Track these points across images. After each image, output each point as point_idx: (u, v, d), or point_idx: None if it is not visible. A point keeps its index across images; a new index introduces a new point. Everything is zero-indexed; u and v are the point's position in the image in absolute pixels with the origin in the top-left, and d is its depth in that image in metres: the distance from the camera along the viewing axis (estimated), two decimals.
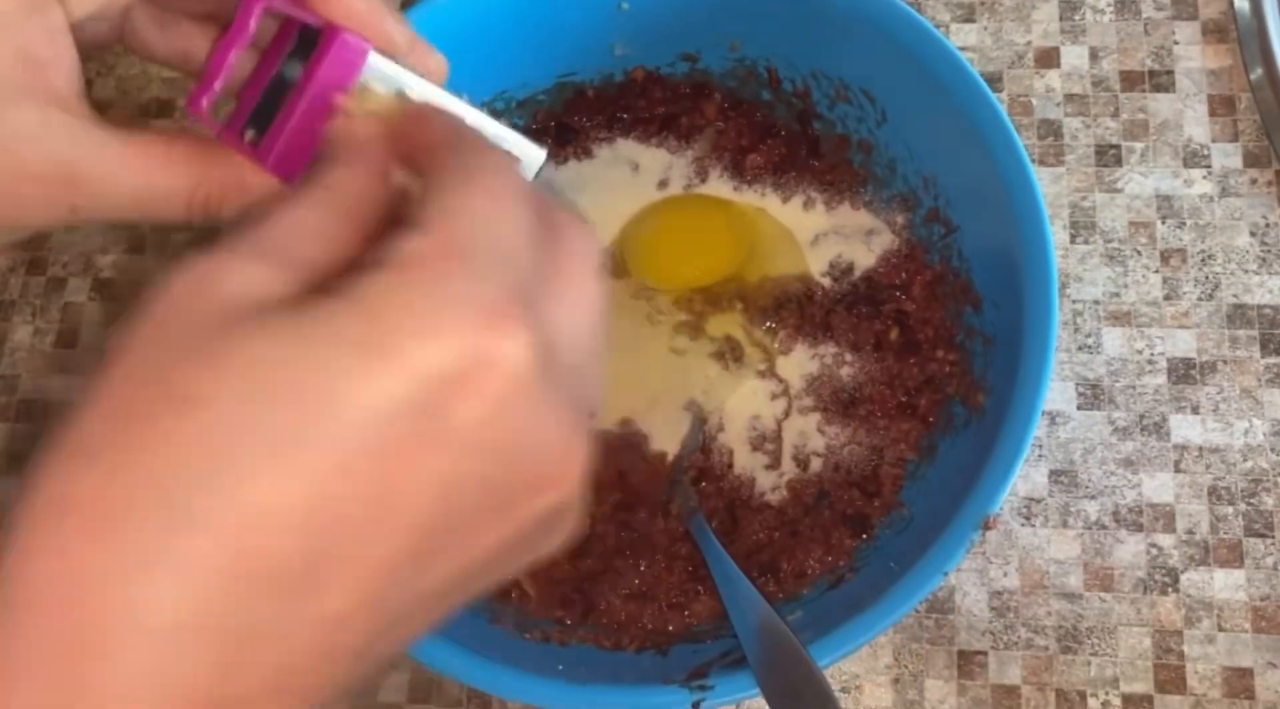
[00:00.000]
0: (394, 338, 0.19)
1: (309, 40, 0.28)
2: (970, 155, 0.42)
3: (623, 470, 0.46)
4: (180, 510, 0.18)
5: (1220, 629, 0.45)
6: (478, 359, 0.19)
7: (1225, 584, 0.45)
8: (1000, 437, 0.38)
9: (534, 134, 0.51)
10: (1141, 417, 0.48)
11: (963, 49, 0.54)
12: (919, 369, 0.46)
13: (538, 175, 0.30)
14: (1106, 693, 0.45)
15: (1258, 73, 0.51)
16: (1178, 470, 0.47)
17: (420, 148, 0.25)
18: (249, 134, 0.28)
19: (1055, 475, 0.47)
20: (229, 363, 0.19)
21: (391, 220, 0.23)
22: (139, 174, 0.27)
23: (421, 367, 0.19)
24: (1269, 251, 0.50)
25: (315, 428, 0.18)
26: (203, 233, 0.56)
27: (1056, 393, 0.48)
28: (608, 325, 0.24)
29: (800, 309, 0.48)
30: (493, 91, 0.50)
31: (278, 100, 0.28)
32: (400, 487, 0.19)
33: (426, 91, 0.29)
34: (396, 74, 0.28)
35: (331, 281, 0.20)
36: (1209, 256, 0.50)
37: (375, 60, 0.28)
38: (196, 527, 0.18)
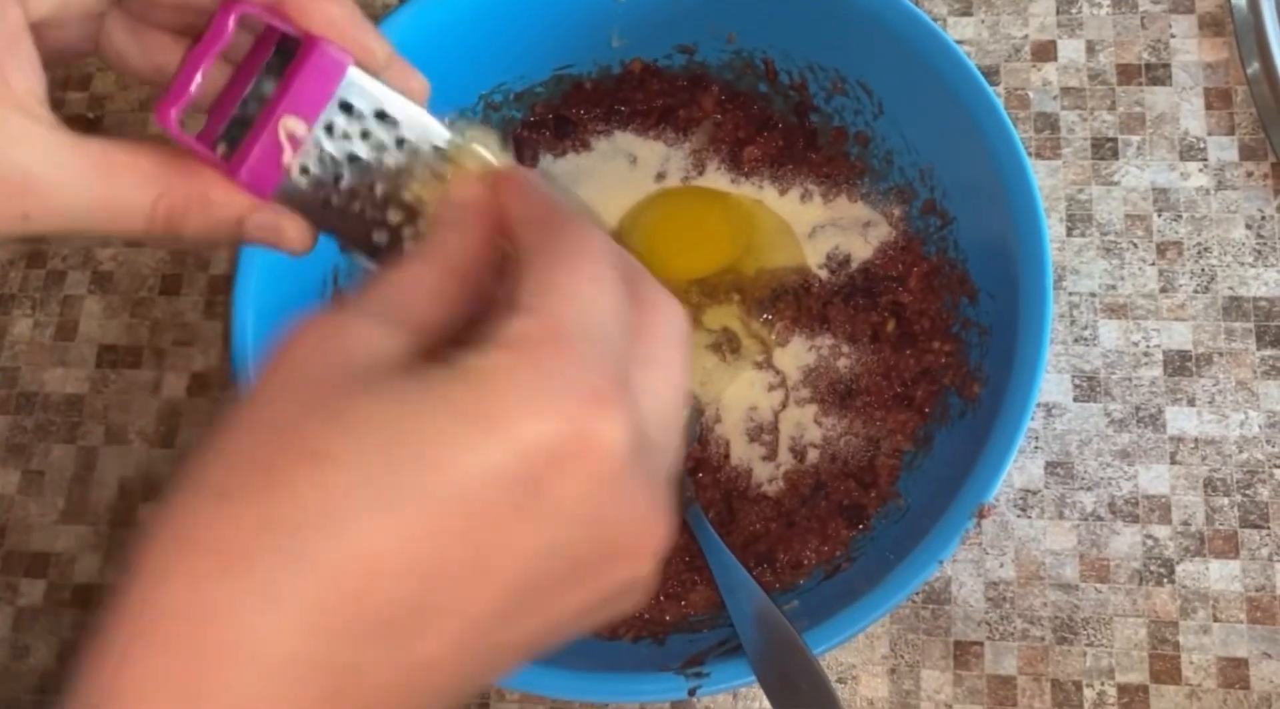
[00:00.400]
0: (502, 412, 0.20)
1: (287, 53, 0.27)
2: (967, 148, 0.43)
3: None
4: (297, 553, 0.19)
5: (1215, 620, 0.45)
6: (580, 439, 0.20)
7: (1220, 575, 0.46)
8: (995, 427, 0.38)
9: (532, 127, 0.51)
10: (1137, 408, 0.48)
11: (960, 42, 0.54)
12: (915, 360, 0.46)
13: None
14: (1102, 683, 0.45)
15: (1254, 66, 0.51)
16: (1173, 462, 0.47)
17: (517, 217, 0.26)
18: (221, 147, 0.28)
19: (1051, 467, 0.48)
20: (351, 422, 0.20)
21: (499, 280, 0.25)
22: (98, 184, 0.26)
23: (526, 441, 0.20)
24: (1265, 244, 0.50)
25: (423, 488, 0.20)
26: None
27: (1053, 385, 0.49)
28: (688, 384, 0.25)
29: (797, 301, 0.48)
30: (490, 84, 0.50)
31: (253, 113, 0.27)
32: (497, 550, 0.20)
33: (409, 111, 0.28)
34: (377, 90, 0.28)
35: (445, 350, 0.22)
36: (1205, 249, 0.50)
37: (355, 75, 0.27)
38: (308, 569, 0.19)
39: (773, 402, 0.47)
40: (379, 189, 0.29)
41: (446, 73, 0.47)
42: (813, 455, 0.46)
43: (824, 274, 0.48)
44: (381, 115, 0.28)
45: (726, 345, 0.48)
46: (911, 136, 0.46)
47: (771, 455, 0.46)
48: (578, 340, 0.21)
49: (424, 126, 0.28)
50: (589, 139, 0.51)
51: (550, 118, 0.51)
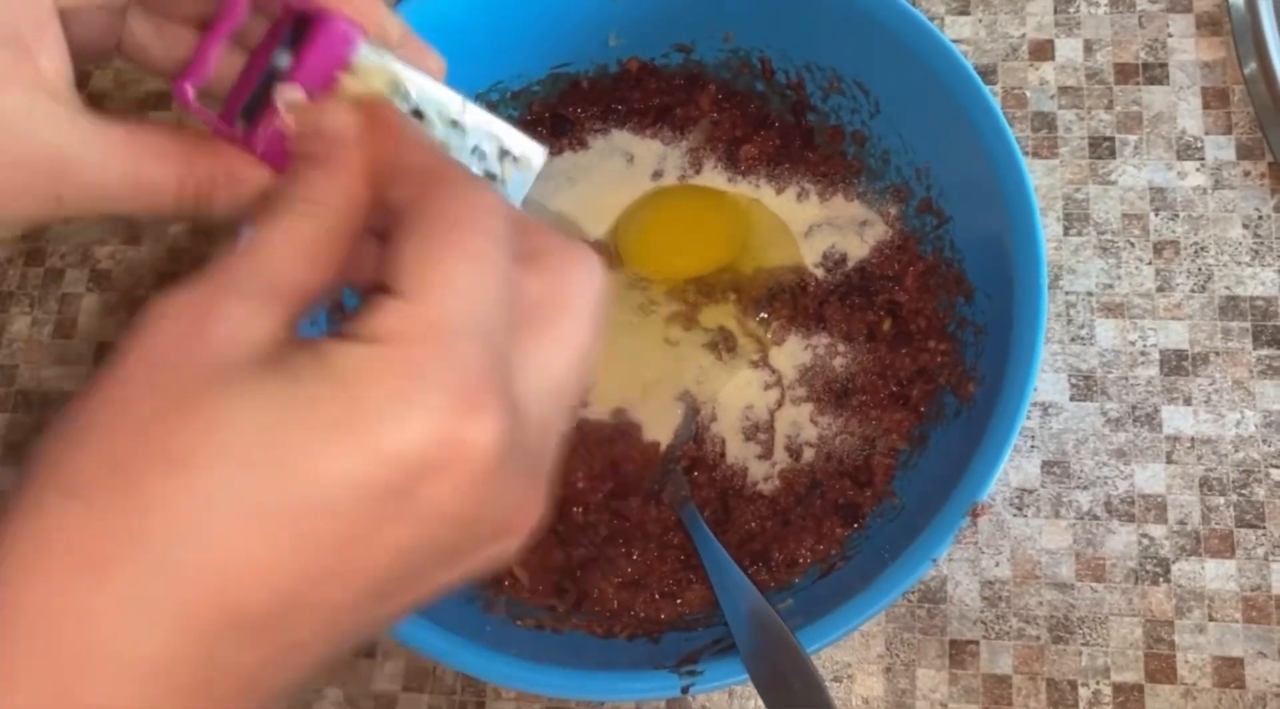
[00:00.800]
0: (366, 420, 0.20)
1: (302, 32, 0.27)
2: (963, 147, 0.43)
3: (615, 460, 0.46)
4: (163, 562, 0.19)
5: (1211, 619, 0.45)
6: (446, 446, 0.20)
7: (1216, 574, 0.46)
8: (990, 425, 0.38)
9: (529, 125, 0.51)
10: (1134, 408, 0.48)
11: (957, 41, 0.54)
12: (911, 359, 0.46)
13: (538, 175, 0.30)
14: (1097, 682, 0.45)
15: (1251, 66, 0.51)
16: (1169, 461, 0.47)
17: (395, 165, 0.25)
18: (240, 124, 0.28)
19: (1047, 466, 0.48)
20: (211, 426, 0.20)
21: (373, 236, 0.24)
22: (127, 163, 0.27)
23: (391, 451, 0.20)
24: (1261, 244, 0.50)
25: (286, 497, 0.19)
26: (199, 225, 0.56)
27: (1049, 384, 0.49)
28: (603, 339, 0.24)
29: (794, 300, 0.48)
30: (488, 83, 0.50)
31: (270, 90, 0.27)
32: (364, 551, 0.20)
33: (425, 85, 0.28)
34: (391, 65, 0.28)
35: (312, 341, 0.21)
36: (1202, 249, 0.50)
37: (368, 50, 0.27)
38: (176, 577, 0.19)
39: (769, 400, 0.47)
40: None
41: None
42: (808, 454, 0.46)
43: (820, 273, 0.48)
44: (394, 88, 0.28)
45: (723, 344, 0.48)
46: (908, 136, 0.46)
47: (767, 454, 0.46)
48: (450, 336, 0.21)
49: (439, 101, 0.28)
50: (586, 138, 0.51)
51: (547, 116, 0.51)
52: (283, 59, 0.28)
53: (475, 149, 0.30)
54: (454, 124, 0.29)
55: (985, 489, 0.38)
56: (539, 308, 0.23)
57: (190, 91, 0.27)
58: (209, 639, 0.19)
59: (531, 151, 0.30)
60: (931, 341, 0.46)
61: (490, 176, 0.30)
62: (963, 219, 0.45)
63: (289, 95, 0.27)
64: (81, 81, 0.28)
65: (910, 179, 0.47)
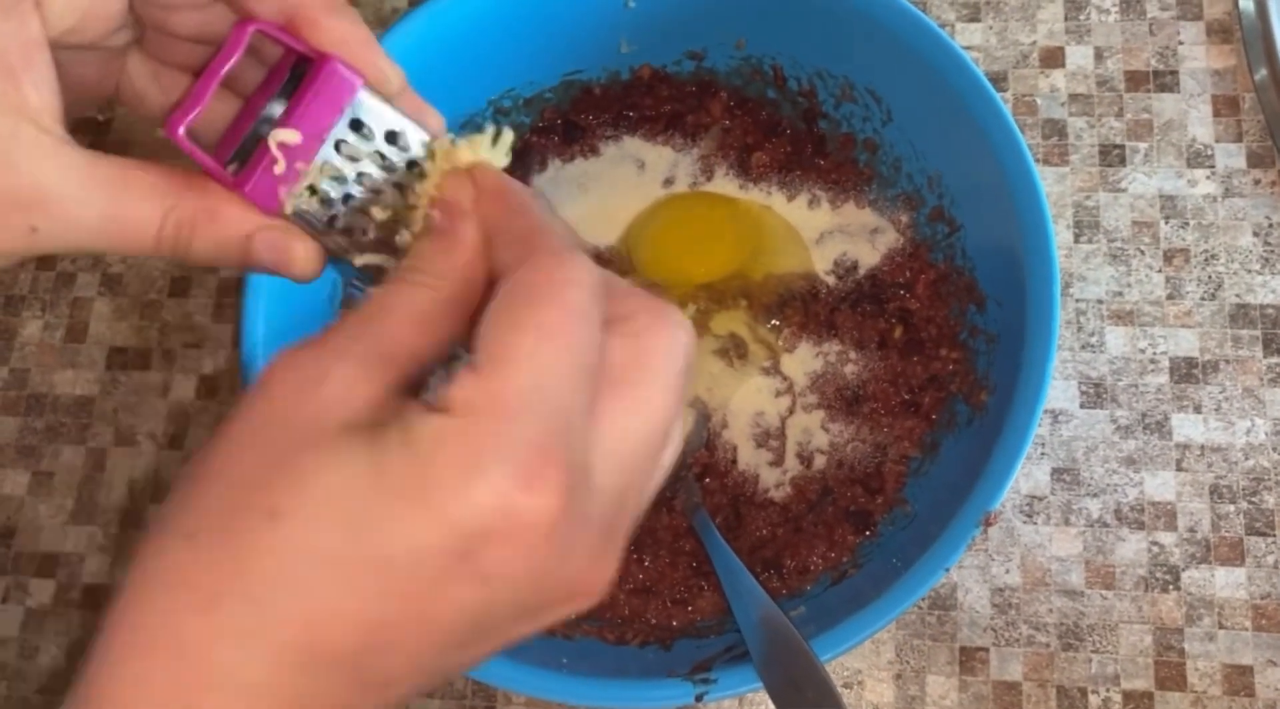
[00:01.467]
0: (433, 489, 0.21)
1: (300, 78, 0.27)
2: (974, 155, 0.43)
3: None
4: (262, 602, 0.22)
5: (1221, 627, 0.45)
6: (505, 515, 0.21)
7: (1226, 582, 0.46)
8: (1002, 434, 0.39)
9: (541, 132, 0.52)
10: (1144, 415, 0.48)
11: (968, 48, 0.54)
12: (923, 367, 0.46)
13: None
14: (1107, 690, 0.45)
15: (1262, 73, 0.51)
16: (1179, 469, 0.47)
17: (497, 228, 0.26)
18: (232, 168, 0.28)
19: (1057, 473, 0.48)
20: (309, 485, 0.22)
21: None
22: (109, 200, 0.26)
23: (454, 519, 0.21)
24: (1272, 252, 0.50)
25: (365, 554, 0.22)
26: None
27: (1059, 391, 0.49)
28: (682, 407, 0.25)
29: (805, 307, 0.48)
30: (500, 89, 0.50)
31: (264, 135, 0.27)
32: (434, 603, 0.22)
33: (419, 135, 0.28)
34: (387, 111, 0.28)
35: (403, 408, 0.23)
36: (1212, 256, 0.50)
37: (366, 98, 0.27)
38: (273, 617, 0.22)
39: (780, 407, 0.47)
40: (388, 211, 0.29)
41: (456, 78, 0.47)
42: (820, 461, 0.46)
43: (831, 280, 0.48)
44: (392, 137, 0.28)
45: (734, 351, 0.48)
46: (920, 144, 0.46)
47: (779, 461, 0.46)
48: (515, 409, 0.22)
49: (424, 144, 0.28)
50: (597, 144, 0.51)
51: (559, 123, 0.51)
52: (277, 108, 0.28)
53: None
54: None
55: (998, 498, 0.38)
56: (622, 371, 0.24)
57: (181, 128, 0.27)
58: (302, 672, 0.22)
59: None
60: (943, 349, 0.46)
61: None
62: (974, 227, 0.45)
63: (282, 137, 0.27)
64: (104, 125, 0.27)
65: (922, 187, 0.47)
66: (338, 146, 0.28)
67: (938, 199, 0.46)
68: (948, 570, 0.38)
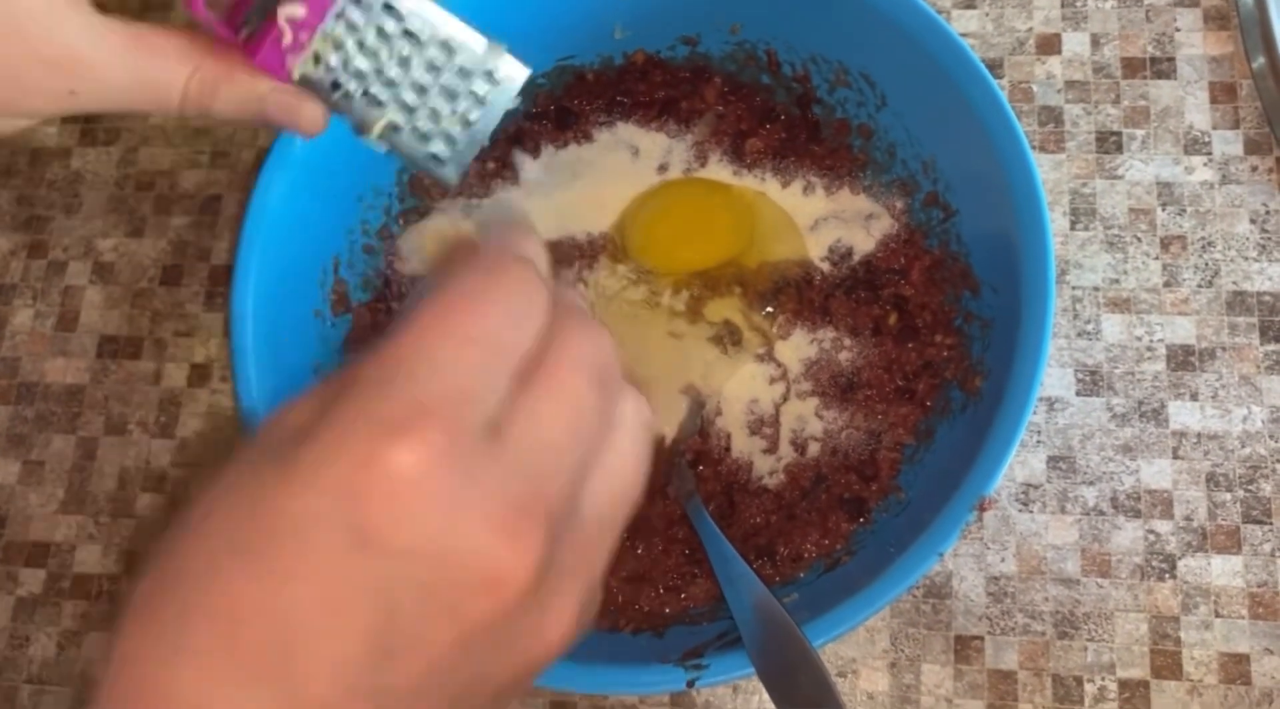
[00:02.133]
0: (308, 463, 0.21)
1: None
2: (970, 140, 0.42)
3: None
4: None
5: (1217, 615, 0.45)
6: (370, 469, 0.21)
7: (1222, 570, 0.45)
8: (997, 419, 0.38)
9: (534, 118, 0.51)
10: (1140, 403, 0.48)
11: (964, 35, 0.54)
12: (917, 354, 0.46)
13: (520, 93, 0.35)
14: (1103, 678, 0.45)
15: (1259, 60, 0.51)
16: (1176, 457, 0.47)
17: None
18: (244, 32, 0.31)
19: (1053, 461, 0.47)
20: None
21: None
22: (138, 62, 0.30)
23: (328, 482, 0.21)
24: (1269, 239, 0.49)
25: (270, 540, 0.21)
26: (203, 216, 0.56)
27: (1055, 379, 0.48)
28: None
29: (799, 293, 0.48)
30: None
31: (273, 3, 0.31)
32: (340, 594, 0.21)
33: (412, 5, 0.32)
34: None
35: None
36: (1209, 244, 0.50)
37: None
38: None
39: (774, 394, 0.47)
40: (388, 76, 0.33)
41: None
42: (814, 448, 0.46)
43: (826, 266, 0.48)
44: (389, 8, 0.32)
45: (728, 338, 0.48)
46: (914, 129, 0.46)
47: (772, 448, 0.46)
48: (389, 380, 0.22)
49: (429, 20, 0.33)
50: (591, 130, 0.51)
51: (552, 109, 0.51)
52: None
53: (461, 69, 0.34)
54: (444, 44, 0.33)
55: (992, 484, 0.37)
56: (539, 366, 0.24)
57: (201, 2, 0.30)
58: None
59: (515, 71, 0.34)
60: (938, 336, 0.45)
61: (475, 96, 0.34)
62: (969, 213, 0.45)
63: (289, 10, 0.31)
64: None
65: (917, 172, 0.47)
66: (341, 18, 0.31)
67: (932, 185, 0.46)
68: (942, 556, 0.38)
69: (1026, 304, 0.40)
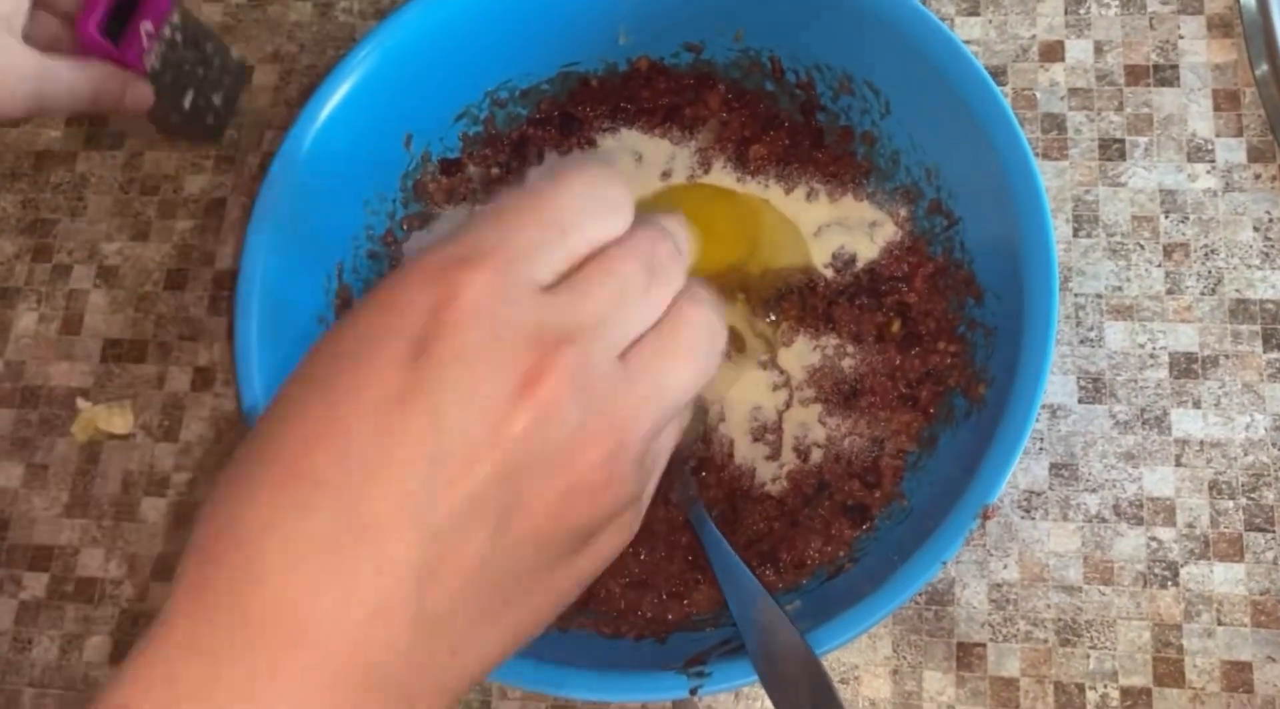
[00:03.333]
0: (383, 289, 0.25)
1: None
2: (973, 149, 0.42)
3: None
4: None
5: (1220, 623, 0.45)
6: (430, 288, 0.24)
7: (1225, 578, 0.45)
8: (1000, 428, 0.38)
9: (538, 124, 0.51)
10: (1143, 410, 0.48)
11: (967, 42, 0.54)
12: (920, 361, 0.46)
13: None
14: (1105, 686, 0.45)
15: (1263, 68, 0.51)
16: (1179, 464, 0.47)
17: None
18: (107, 39, 0.45)
19: (1056, 468, 0.48)
20: None
21: None
22: (79, 80, 0.44)
23: (396, 300, 0.25)
24: (1272, 247, 0.49)
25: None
26: (207, 220, 0.56)
27: (1058, 386, 0.48)
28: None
29: (802, 300, 0.48)
30: (496, 81, 0.50)
31: (125, 13, 0.46)
32: (393, 404, 0.24)
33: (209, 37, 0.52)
34: (187, 21, 0.50)
35: None
36: (1212, 251, 0.50)
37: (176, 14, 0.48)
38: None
39: (777, 401, 0.47)
40: (197, 81, 0.52)
41: (453, 69, 0.47)
42: (816, 455, 0.46)
43: (829, 273, 0.48)
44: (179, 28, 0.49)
45: (731, 344, 0.48)
46: (918, 137, 0.46)
47: (775, 455, 0.46)
48: (451, 234, 0.26)
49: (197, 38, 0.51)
50: (595, 137, 0.51)
51: (556, 115, 0.51)
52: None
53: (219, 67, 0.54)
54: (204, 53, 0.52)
55: (996, 492, 0.37)
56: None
57: (94, 29, 0.44)
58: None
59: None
60: (941, 343, 0.45)
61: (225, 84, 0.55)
62: (972, 220, 0.45)
63: (146, 27, 0.46)
64: None
65: (920, 180, 0.47)
66: (164, 33, 0.48)
67: (936, 192, 0.46)
68: (945, 564, 0.38)
69: (1029, 312, 0.40)
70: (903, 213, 0.48)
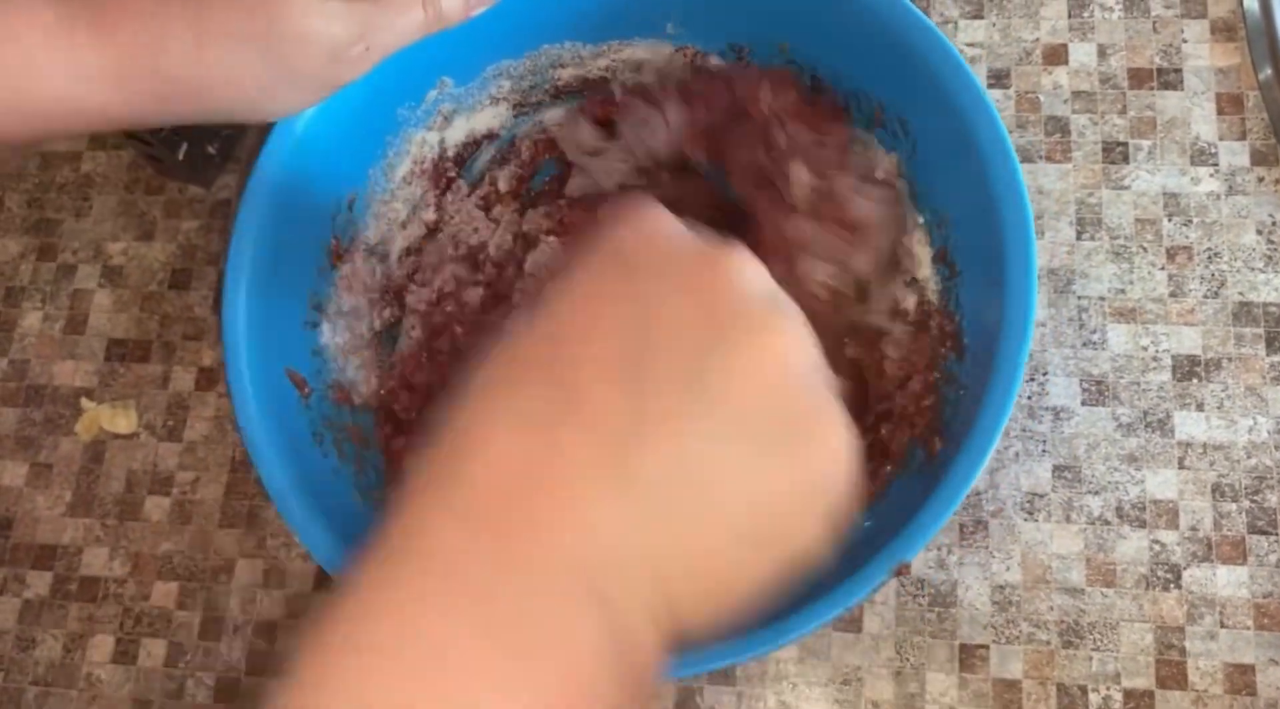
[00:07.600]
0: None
1: None
2: (981, 206, 0.42)
3: None
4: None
5: (1222, 626, 0.45)
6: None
7: (1228, 581, 0.45)
8: (937, 489, 0.38)
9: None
10: (1146, 413, 0.48)
11: (970, 45, 0.54)
12: (889, 404, 0.45)
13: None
14: (1108, 688, 0.45)
15: (1266, 72, 0.51)
16: (1181, 467, 0.47)
17: None
18: None
19: (1059, 470, 0.48)
20: None
21: None
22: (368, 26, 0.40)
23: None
24: (1275, 250, 0.50)
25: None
26: (212, 220, 0.56)
27: (1061, 389, 0.49)
28: None
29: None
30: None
31: None
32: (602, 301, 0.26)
33: None
34: None
35: None
36: (1215, 254, 0.50)
37: None
38: None
39: None
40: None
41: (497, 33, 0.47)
42: None
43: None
44: None
45: None
46: (937, 183, 0.46)
47: None
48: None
49: None
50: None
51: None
52: None
53: None
54: None
55: (914, 551, 0.37)
56: None
57: None
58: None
59: None
60: (914, 386, 0.45)
61: None
62: (970, 277, 0.44)
63: None
64: None
65: (932, 226, 0.46)
66: None
67: (944, 241, 0.45)
68: (849, 609, 0.37)
69: (991, 387, 0.39)
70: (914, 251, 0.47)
